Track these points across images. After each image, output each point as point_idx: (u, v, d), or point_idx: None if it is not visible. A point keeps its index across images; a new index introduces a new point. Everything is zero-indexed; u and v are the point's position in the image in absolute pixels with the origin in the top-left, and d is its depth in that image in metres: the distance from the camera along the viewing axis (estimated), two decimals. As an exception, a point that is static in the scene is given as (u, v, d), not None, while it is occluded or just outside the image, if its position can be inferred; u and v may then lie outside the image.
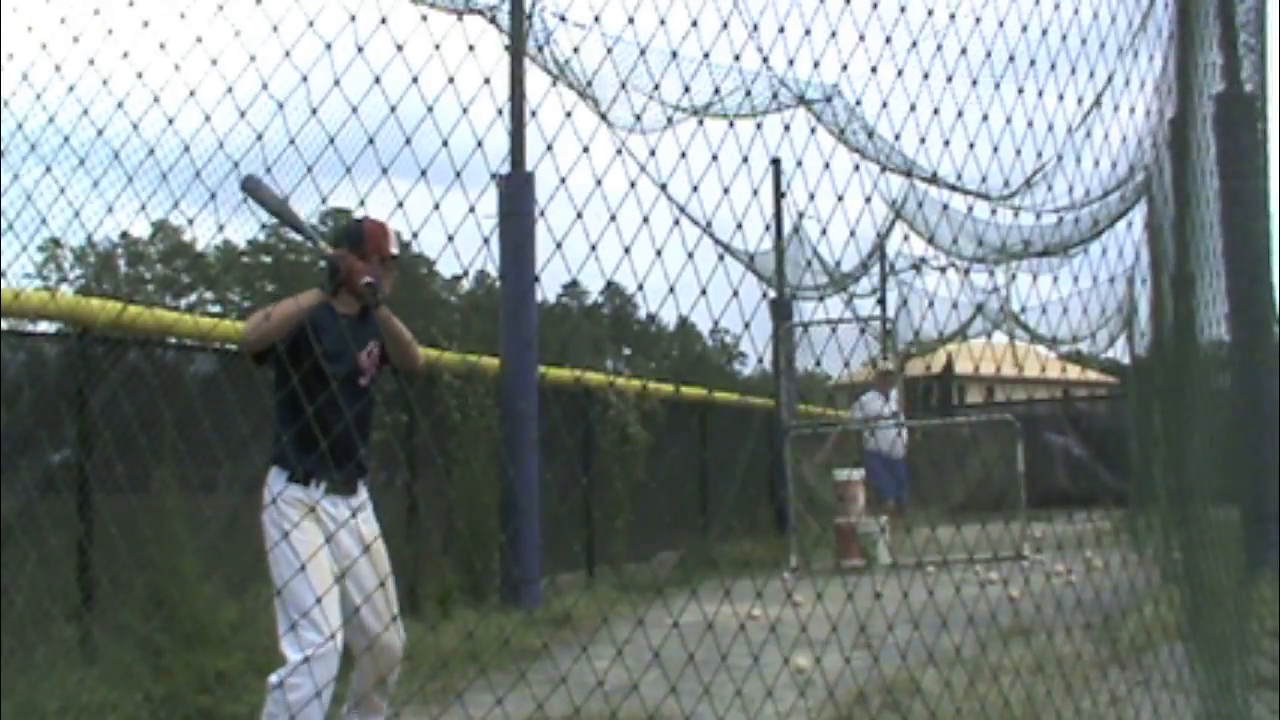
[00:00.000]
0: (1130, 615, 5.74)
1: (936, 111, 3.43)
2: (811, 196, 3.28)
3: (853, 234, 3.43)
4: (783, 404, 14.97)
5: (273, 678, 3.83)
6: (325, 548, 3.89)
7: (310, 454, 3.86)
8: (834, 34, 3.37)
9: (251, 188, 3.91)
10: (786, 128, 3.36)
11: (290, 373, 3.83)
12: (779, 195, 13.11)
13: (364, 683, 4.11)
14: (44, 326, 6.33)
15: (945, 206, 11.44)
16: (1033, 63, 3.57)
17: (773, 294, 15.19)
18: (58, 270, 39.01)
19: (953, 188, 7.39)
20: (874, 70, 3.36)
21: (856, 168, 3.49)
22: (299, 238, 4.19)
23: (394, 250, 4.14)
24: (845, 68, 3.41)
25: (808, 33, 3.38)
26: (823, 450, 12.87)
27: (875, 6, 3.42)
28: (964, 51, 3.45)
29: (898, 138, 3.62)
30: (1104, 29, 3.85)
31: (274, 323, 3.92)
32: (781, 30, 3.35)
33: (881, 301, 17.64)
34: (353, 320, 4.12)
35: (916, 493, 12.73)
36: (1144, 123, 4.19)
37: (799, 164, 3.41)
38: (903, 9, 3.41)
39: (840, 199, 3.31)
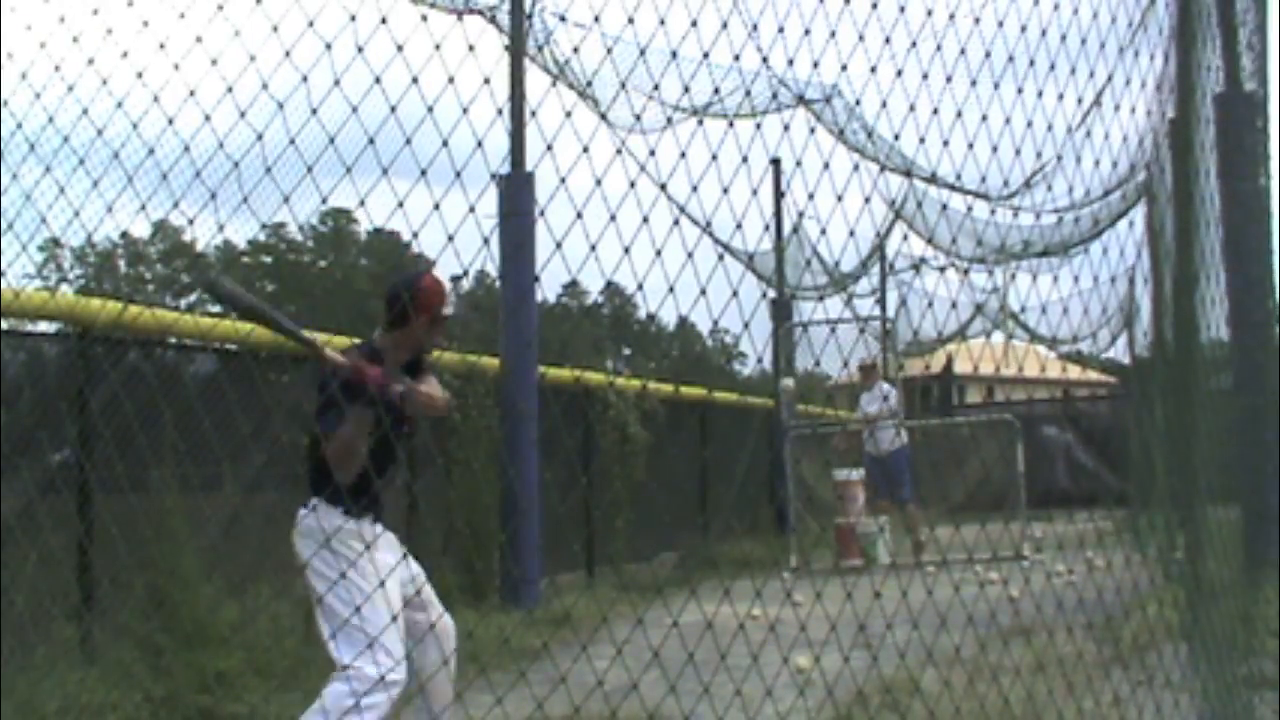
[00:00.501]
0: (1132, 615, 5.74)
1: (936, 111, 3.42)
2: (811, 196, 3.27)
3: (852, 234, 3.43)
4: (782, 404, 14.97)
5: (346, 687, 3.79)
6: (394, 574, 4.01)
7: (365, 495, 3.94)
8: (833, 34, 3.37)
9: (220, 293, 3.82)
10: (786, 127, 3.36)
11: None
12: (779, 195, 13.11)
13: (426, 672, 4.18)
14: (44, 326, 6.32)
15: (944, 206, 11.44)
16: (1032, 63, 3.56)
17: (772, 294, 15.19)
18: (58, 270, 39.05)
19: (952, 187, 7.38)
20: (873, 70, 3.35)
21: (856, 167, 3.48)
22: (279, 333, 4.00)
23: (448, 310, 4.08)
24: (845, 68, 3.40)
25: (807, 32, 3.37)
26: (838, 437, 12.82)
27: (875, 6, 3.41)
28: (963, 52, 3.45)
29: (897, 138, 3.62)
30: (1104, 28, 3.84)
31: (349, 456, 3.90)
32: (781, 30, 3.34)
33: (881, 301, 17.64)
34: (401, 371, 4.09)
35: (916, 491, 12.69)
36: (1144, 122, 4.19)
37: (798, 164, 3.41)
38: (902, 9, 3.40)
39: (839, 199, 3.30)
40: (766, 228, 13.59)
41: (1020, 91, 3.57)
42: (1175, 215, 4.67)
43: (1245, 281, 6.26)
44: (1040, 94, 3.62)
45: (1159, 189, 4.85)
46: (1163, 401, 5.85)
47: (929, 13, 3.40)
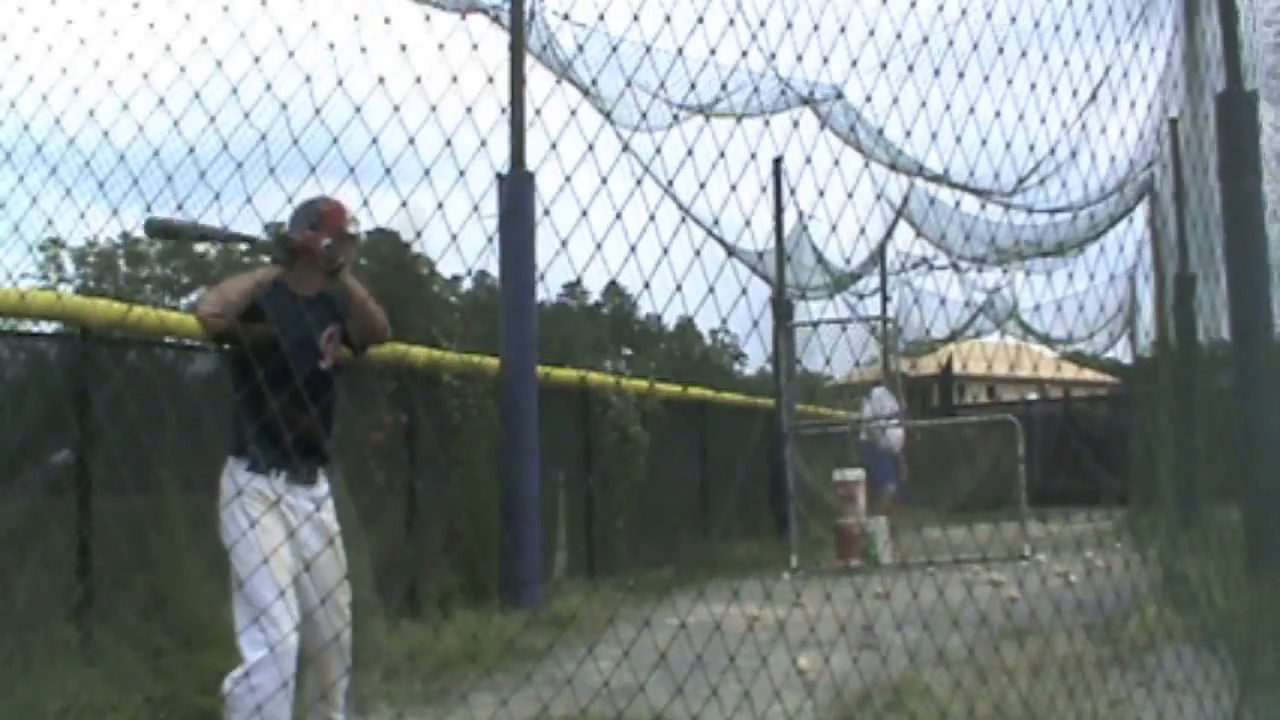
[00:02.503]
0: (1131, 616, 5.74)
1: (932, 132, 3.39)
2: (822, 193, 3.25)
3: (863, 230, 3.41)
4: (783, 404, 14.96)
5: (233, 677, 3.78)
6: (286, 542, 3.89)
7: (271, 443, 3.84)
8: (827, 58, 3.35)
9: (157, 228, 3.91)
10: (795, 123, 3.34)
11: (250, 358, 3.79)
12: (779, 195, 13.08)
13: (320, 683, 4.07)
14: (44, 327, 6.31)
15: (932, 200, 11.44)
16: (1035, 79, 3.53)
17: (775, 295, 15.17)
18: (57, 270, 39.04)
19: (953, 185, 7.37)
20: (868, 97, 3.33)
21: (865, 164, 3.47)
22: (226, 244, 4.11)
23: (351, 230, 4.11)
24: (840, 83, 3.39)
25: (816, 28, 3.36)
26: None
27: (871, 32, 3.38)
28: (974, 47, 3.42)
29: (897, 158, 3.60)
30: (1100, 21, 3.82)
31: (229, 297, 3.89)
32: (789, 25, 3.33)
33: (882, 302, 17.62)
34: (311, 302, 4.08)
35: (918, 492, 12.71)
36: (1145, 119, 4.17)
37: (808, 159, 3.38)
38: (898, 34, 3.37)
39: (850, 195, 3.28)
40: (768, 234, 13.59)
41: (1010, 83, 3.53)
42: (1176, 214, 4.67)
43: (1245, 281, 6.25)
44: (1035, 88, 3.59)
45: (1161, 187, 4.85)
46: (1164, 401, 5.84)
47: (924, 39, 3.37)
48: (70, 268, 40.72)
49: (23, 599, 5.30)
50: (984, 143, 3.39)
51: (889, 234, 15.19)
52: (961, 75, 3.37)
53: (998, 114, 3.41)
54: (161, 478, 5.95)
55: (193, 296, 45.88)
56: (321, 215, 4.04)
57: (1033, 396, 22.38)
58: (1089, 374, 30.40)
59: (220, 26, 3.55)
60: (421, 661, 5.91)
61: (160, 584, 5.84)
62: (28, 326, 6.17)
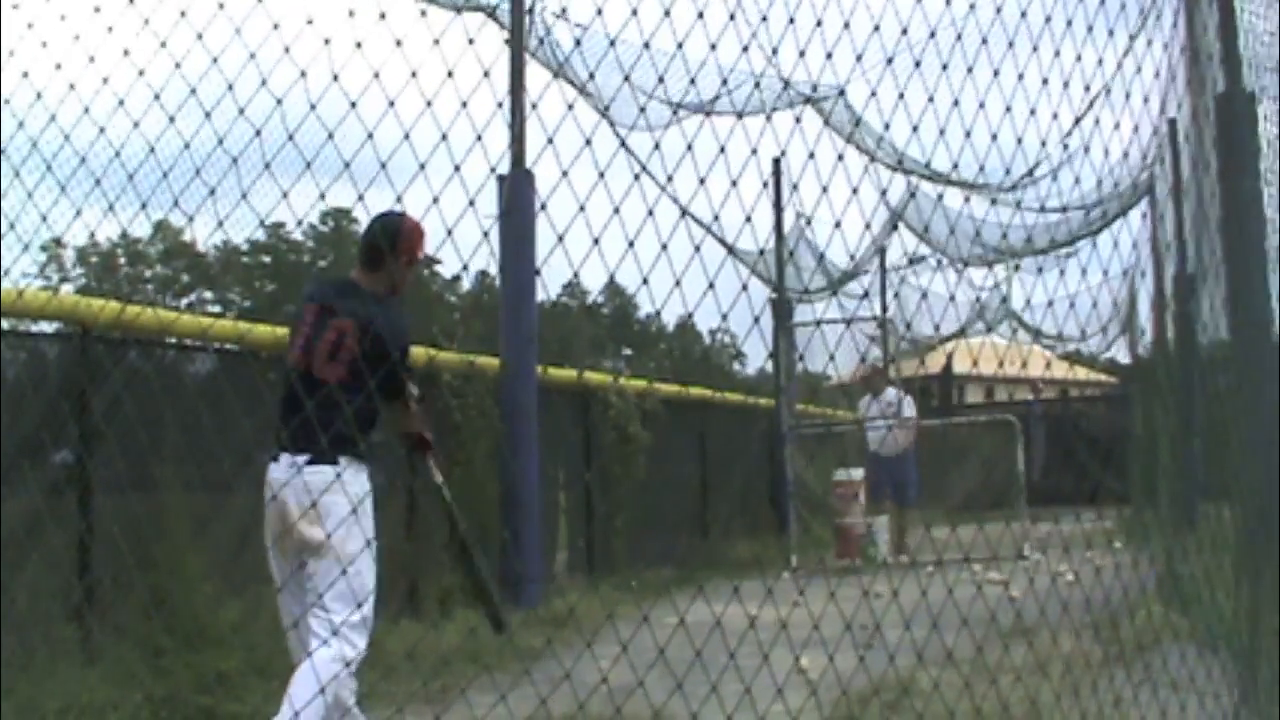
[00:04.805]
0: (1133, 615, 5.73)
1: (940, 128, 3.38)
2: (824, 189, 3.23)
3: (868, 227, 3.39)
4: (783, 405, 14.95)
5: (343, 655, 3.92)
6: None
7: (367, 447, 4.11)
8: (830, 54, 3.33)
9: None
10: (798, 120, 3.32)
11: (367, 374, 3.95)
12: (779, 195, 13.07)
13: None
14: (45, 326, 6.31)
15: (940, 197, 11.42)
16: (1035, 49, 3.52)
17: (773, 294, 15.15)
18: (59, 270, 39.08)
19: (954, 185, 7.36)
20: (873, 92, 3.32)
21: (868, 164, 3.45)
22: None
23: (422, 254, 4.31)
24: (843, 79, 3.38)
25: (819, 24, 3.35)
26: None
27: (876, 28, 3.35)
28: (984, 41, 3.40)
29: (901, 158, 3.59)
30: (1117, 15, 3.81)
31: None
32: (791, 21, 3.32)
33: (882, 302, 17.61)
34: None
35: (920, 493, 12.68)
36: (1160, 117, 4.16)
37: (811, 155, 3.36)
38: (904, 29, 3.35)
39: (855, 190, 3.27)
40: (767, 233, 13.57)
41: (1021, 78, 3.52)
42: (1176, 213, 4.66)
43: (1245, 281, 6.24)
44: (1045, 80, 3.58)
45: (1161, 186, 4.85)
46: (1163, 401, 5.84)
47: (932, 37, 3.36)
48: (70, 267, 40.76)
49: (23, 598, 5.30)
50: (994, 138, 3.38)
51: (889, 232, 15.17)
52: (970, 70, 3.35)
53: (1008, 109, 3.40)
54: (161, 477, 5.95)
55: (193, 296, 45.93)
56: (401, 235, 4.18)
57: (1030, 397, 22.38)
58: (1086, 375, 30.39)
59: (216, 21, 3.54)
60: (421, 659, 5.91)
61: (160, 583, 5.84)
62: (27, 326, 6.17)
